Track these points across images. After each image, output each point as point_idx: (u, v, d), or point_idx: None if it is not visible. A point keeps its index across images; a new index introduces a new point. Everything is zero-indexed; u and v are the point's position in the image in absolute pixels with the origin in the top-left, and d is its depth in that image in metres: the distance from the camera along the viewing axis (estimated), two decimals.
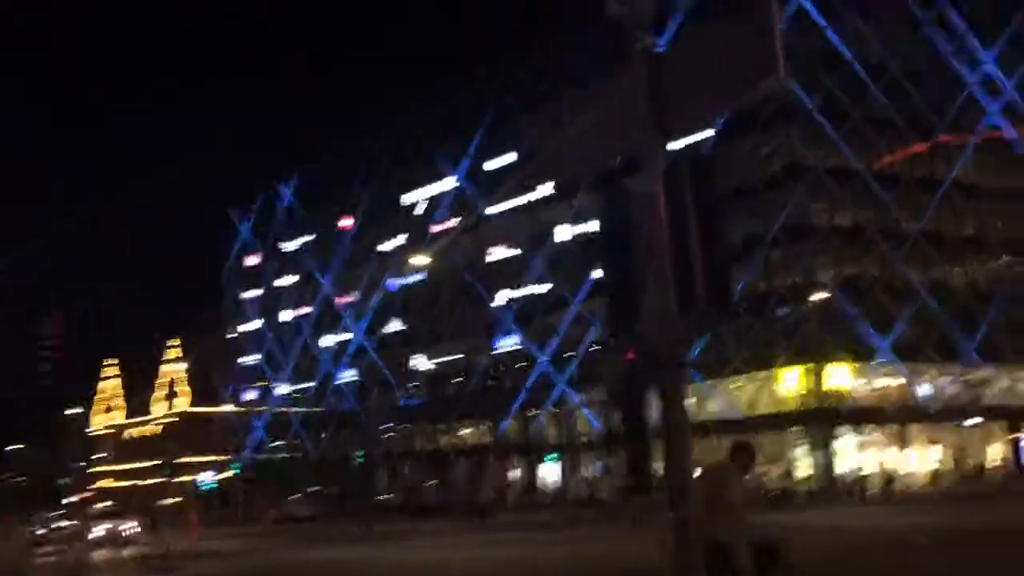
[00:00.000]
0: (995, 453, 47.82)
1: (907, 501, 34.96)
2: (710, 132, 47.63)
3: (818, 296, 45.67)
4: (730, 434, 49.39)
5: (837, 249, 47.48)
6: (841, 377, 46.94)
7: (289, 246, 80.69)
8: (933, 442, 47.27)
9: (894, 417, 46.13)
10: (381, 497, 61.64)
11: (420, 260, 66.58)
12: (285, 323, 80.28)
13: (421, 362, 66.69)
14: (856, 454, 46.08)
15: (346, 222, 74.17)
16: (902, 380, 47.89)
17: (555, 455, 56.48)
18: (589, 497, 49.60)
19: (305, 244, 78.66)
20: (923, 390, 48.14)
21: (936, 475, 44.44)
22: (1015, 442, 48.13)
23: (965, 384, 48.58)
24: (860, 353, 46.34)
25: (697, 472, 6.13)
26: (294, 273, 79.47)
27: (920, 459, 46.08)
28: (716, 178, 5.78)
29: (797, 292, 47.41)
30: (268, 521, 50.58)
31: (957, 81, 51.48)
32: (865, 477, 38.26)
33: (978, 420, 46.89)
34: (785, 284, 48.52)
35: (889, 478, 37.00)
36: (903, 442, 43.02)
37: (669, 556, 5.13)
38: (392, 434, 69.85)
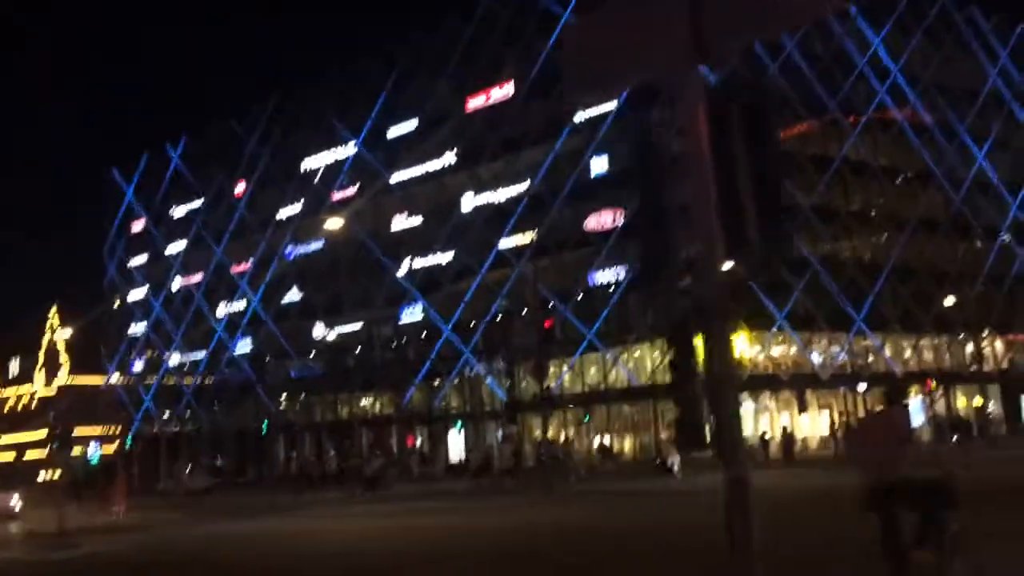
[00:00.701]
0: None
1: (807, 464, 36.63)
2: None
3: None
4: (634, 401, 50.96)
5: None
6: (740, 345, 48.62)
7: (179, 211, 77.65)
8: (824, 407, 49.63)
9: (790, 384, 48.17)
10: (282, 469, 60.55)
11: (321, 227, 65.45)
12: (175, 291, 77.40)
13: (321, 332, 65.44)
14: (754, 419, 48.04)
15: (240, 188, 71.87)
16: (796, 348, 50.05)
17: (459, 424, 56.60)
18: (491, 466, 49.95)
19: (195, 209, 75.81)
20: (816, 358, 50.44)
21: (829, 439, 46.75)
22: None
23: (854, 352, 51.12)
24: (758, 322, 48.05)
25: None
26: (184, 239, 76.56)
27: (813, 424, 48.33)
28: (767, 98, 5.53)
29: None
30: (171, 493, 48.91)
31: (849, 63, 53.61)
32: (768, 441, 39.83)
33: (865, 386, 49.37)
34: (691, 254, 49.68)
35: (790, 441, 38.64)
36: (798, 408, 44.93)
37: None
38: (291, 405, 68.61)
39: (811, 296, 49.05)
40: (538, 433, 56.06)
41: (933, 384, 49.29)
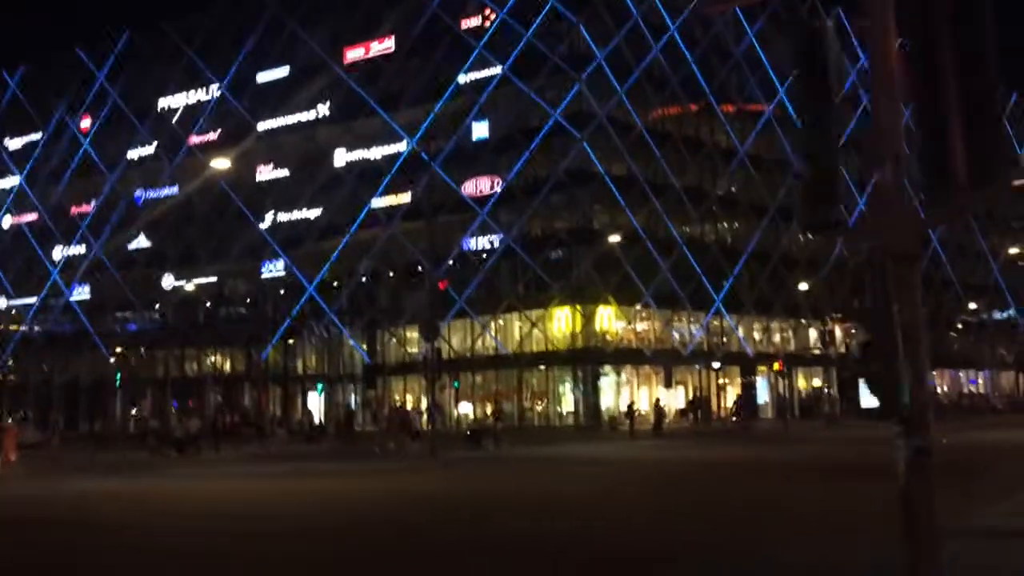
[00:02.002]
0: (733, 394, 52.97)
1: (677, 436, 37.76)
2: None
3: (592, 240, 47.90)
4: (500, 369, 51.00)
5: (612, 197, 49.60)
6: (607, 319, 49.58)
7: (13, 143, 71.15)
8: (680, 383, 51.36)
9: (652, 359, 49.51)
10: (119, 426, 56.92)
11: (175, 171, 61.63)
12: (5, 229, 71.05)
13: (171, 283, 61.77)
14: (617, 392, 49.21)
15: (86, 123, 66.60)
16: (660, 325, 51.51)
17: (320, 387, 54.99)
18: (352, 429, 48.82)
19: (33, 143, 69.68)
20: (677, 335, 52.10)
21: (685, 413, 48.53)
22: (748, 385, 53.50)
23: (710, 332, 53.14)
24: (625, 298, 49.06)
25: None
26: (17, 174, 70.28)
27: (670, 398, 49.88)
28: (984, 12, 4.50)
29: (573, 235, 49.20)
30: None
31: (726, 52, 55.21)
32: (634, 413, 40.72)
33: (719, 364, 51.53)
34: (562, 227, 50.11)
35: (661, 413, 39.68)
36: (664, 383, 46.25)
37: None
38: (129, 359, 64.53)
39: (677, 275, 50.48)
40: (397, 397, 55.40)
41: (776, 365, 51.98)
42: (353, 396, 56.64)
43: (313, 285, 55.64)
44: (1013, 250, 69.45)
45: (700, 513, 13.63)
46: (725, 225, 55.99)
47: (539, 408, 51.21)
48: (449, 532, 12.05)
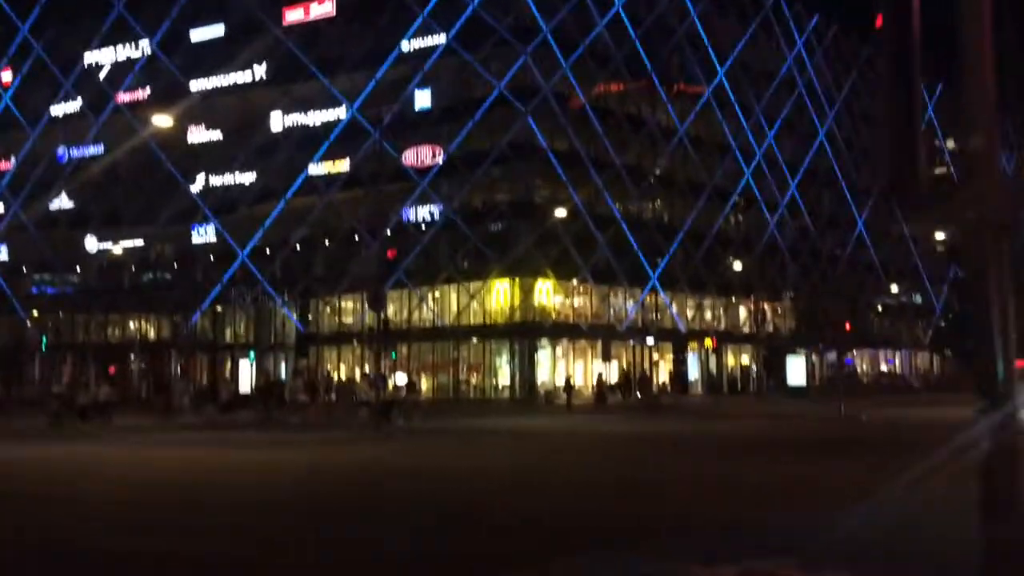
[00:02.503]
0: (665, 369, 53.87)
1: (616, 410, 38.25)
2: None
3: (532, 215, 47.97)
4: (437, 341, 50.81)
5: (554, 172, 49.59)
6: (546, 293, 49.76)
7: None
8: (614, 358, 51.90)
9: (589, 334, 49.95)
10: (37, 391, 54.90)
11: (100, 129, 59.34)
12: None
13: (94, 246, 59.60)
14: (553, 366, 49.53)
15: (7, 76, 63.54)
16: (597, 300, 51.96)
17: (252, 355, 53.92)
18: (282, 399, 48.08)
19: None
20: (613, 310, 52.64)
21: (617, 388, 49.09)
22: (680, 361, 54.42)
23: (645, 308, 53.81)
24: (563, 272, 49.25)
25: None
26: None
27: (606, 373, 50.45)
28: None
29: (514, 209, 49.12)
30: None
31: (669, 31, 55.51)
32: (573, 387, 41.08)
33: (652, 340, 52.23)
34: (503, 200, 49.96)
35: (602, 387, 40.11)
36: (603, 357, 46.72)
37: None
38: (45, 322, 62.19)
39: (614, 252, 50.89)
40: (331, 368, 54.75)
41: (708, 341, 53.09)
42: (284, 365, 55.74)
43: (246, 252, 54.41)
44: (940, 236, 71.95)
45: (649, 485, 13.85)
46: (662, 203, 56.59)
47: (474, 381, 51.24)
48: (350, 502, 12.02)
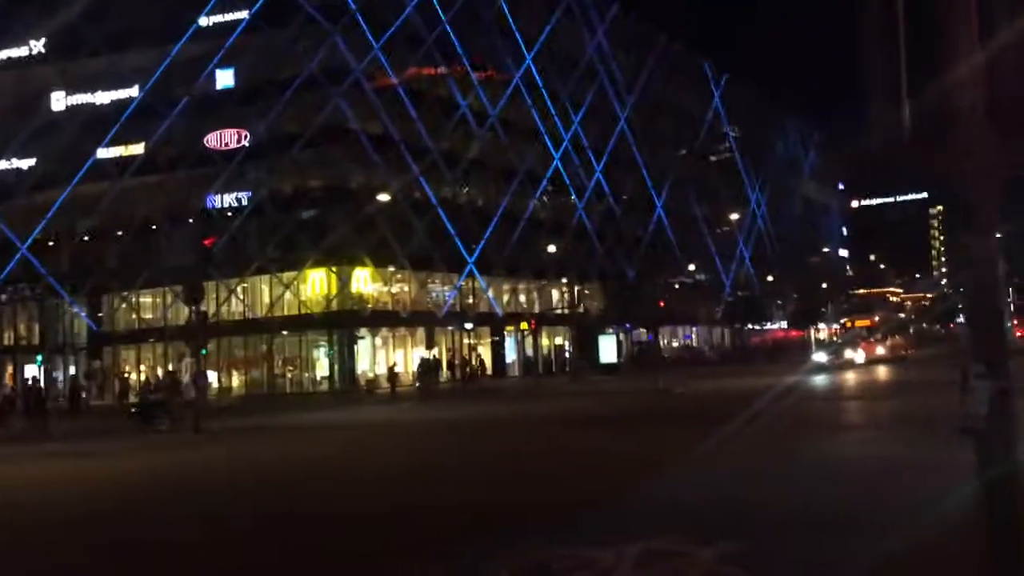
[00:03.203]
0: (484, 353, 54.13)
1: (440, 396, 37.84)
2: None
3: (347, 200, 46.57)
4: (251, 335, 48.36)
5: (367, 156, 48.37)
6: (363, 281, 48.55)
7: None
8: (431, 345, 51.54)
9: (408, 321, 49.26)
10: None
11: None
12: None
13: None
14: (374, 355, 48.49)
15: None
16: (416, 287, 51.31)
17: (40, 358, 49.04)
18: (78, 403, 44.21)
19: None
20: (432, 297, 52.22)
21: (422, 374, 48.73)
22: (497, 344, 54.91)
23: (463, 293, 53.76)
24: (380, 259, 48.21)
25: None
26: None
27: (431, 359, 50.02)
28: None
29: (327, 194, 47.46)
30: None
31: (478, 15, 55.49)
32: (396, 375, 40.33)
33: (471, 325, 52.28)
34: (316, 185, 48.19)
35: (429, 373, 39.56)
36: (426, 345, 46.13)
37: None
38: None
39: (431, 237, 50.42)
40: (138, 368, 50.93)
41: (525, 324, 53.94)
42: (74, 368, 51.30)
43: (26, 244, 49.37)
44: (734, 216, 76.91)
45: (493, 466, 13.66)
46: (477, 188, 56.66)
47: (290, 375, 49.31)
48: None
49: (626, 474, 12.13)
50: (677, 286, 74.65)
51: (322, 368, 48.38)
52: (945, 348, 77.51)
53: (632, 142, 68.98)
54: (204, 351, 44.09)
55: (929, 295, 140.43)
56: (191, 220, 47.07)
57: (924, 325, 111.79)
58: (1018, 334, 55.26)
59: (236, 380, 49.62)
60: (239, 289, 48.32)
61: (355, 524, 9.86)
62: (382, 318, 49.03)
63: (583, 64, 64.29)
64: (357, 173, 48.66)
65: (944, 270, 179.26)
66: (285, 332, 48.24)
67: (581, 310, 60.59)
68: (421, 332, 50.41)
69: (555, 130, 61.02)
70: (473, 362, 50.89)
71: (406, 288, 51.35)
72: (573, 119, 62.59)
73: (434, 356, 46.51)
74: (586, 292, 62.98)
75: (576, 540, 7.83)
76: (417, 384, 39.49)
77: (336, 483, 13.45)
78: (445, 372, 49.08)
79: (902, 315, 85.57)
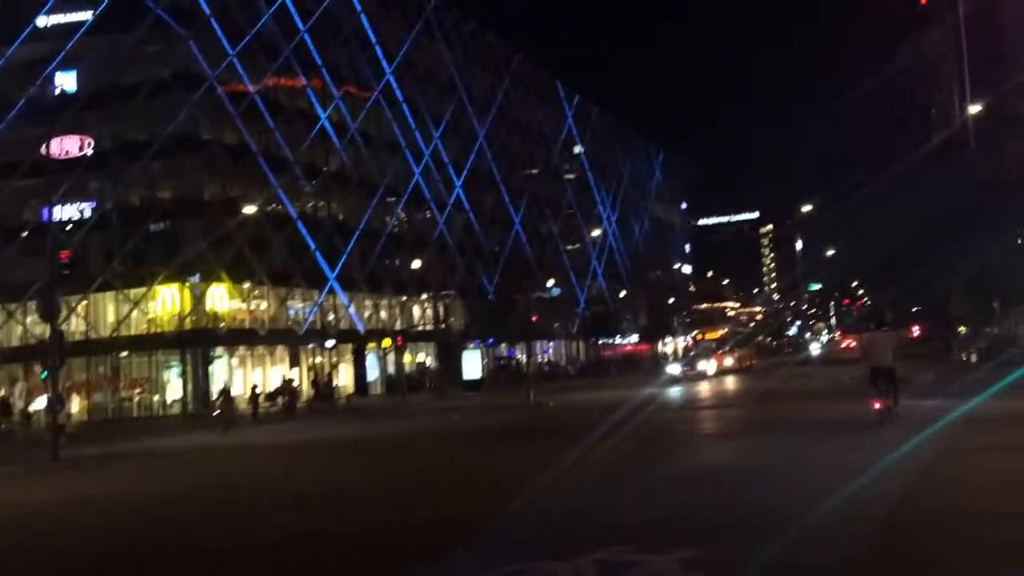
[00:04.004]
0: (346, 371, 52.79)
1: (302, 418, 36.51)
2: None
3: (201, 213, 44.47)
4: (94, 356, 45.15)
5: (223, 166, 46.39)
6: (219, 298, 46.37)
7: None
8: (294, 364, 49.86)
9: (267, 339, 47.42)
10: None
11: None
12: None
13: None
14: (230, 375, 46.27)
15: None
16: (275, 303, 49.47)
17: None
18: None
19: None
20: (292, 313, 50.51)
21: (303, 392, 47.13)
22: (359, 362, 53.69)
23: (324, 309, 52.33)
24: (237, 275, 46.23)
25: None
26: None
27: (295, 378, 48.20)
28: None
29: (180, 206, 45.09)
30: None
31: (338, 26, 54.53)
32: (258, 396, 38.57)
33: (333, 342, 50.97)
34: (168, 197, 45.72)
35: (294, 394, 38.01)
36: (273, 363, 44.54)
37: None
38: None
39: (290, 252, 48.86)
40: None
41: (387, 341, 53.12)
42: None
43: None
44: (595, 232, 78.57)
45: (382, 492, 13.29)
46: (338, 202, 55.35)
47: (138, 397, 46.39)
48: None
49: (541, 488, 11.86)
50: (535, 301, 75.58)
51: (173, 390, 45.76)
52: (782, 359, 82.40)
53: (490, 158, 69.47)
54: (45, 374, 41.04)
55: (763, 310, 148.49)
56: (26, 233, 43.58)
57: (760, 338, 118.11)
58: (843, 345, 59.19)
59: (77, 405, 46.16)
60: (80, 307, 45.10)
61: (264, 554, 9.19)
62: (239, 336, 46.96)
63: (443, 80, 64.32)
64: (212, 184, 46.57)
65: (775, 286, 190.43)
66: (125, 353, 45.28)
67: (443, 326, 60.30)
68: (280, 350, 48.80)
69: (416, 145, 60.64)
70: (321, 381, 49.07)
71: (265, 305, 49.39)
72: (433, 134, 62.41)
73: (285, 377, 44.34)
74: (448, 307, 62.72)
75: (516, 558, 7.52)
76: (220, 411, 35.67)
77: (240, 512, 12.57)
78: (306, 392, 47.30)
79: (744, 329, 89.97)
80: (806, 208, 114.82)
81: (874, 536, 7.74)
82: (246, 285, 47.43)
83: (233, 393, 45.23)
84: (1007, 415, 16.92)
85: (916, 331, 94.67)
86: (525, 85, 76.09)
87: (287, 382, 43.77)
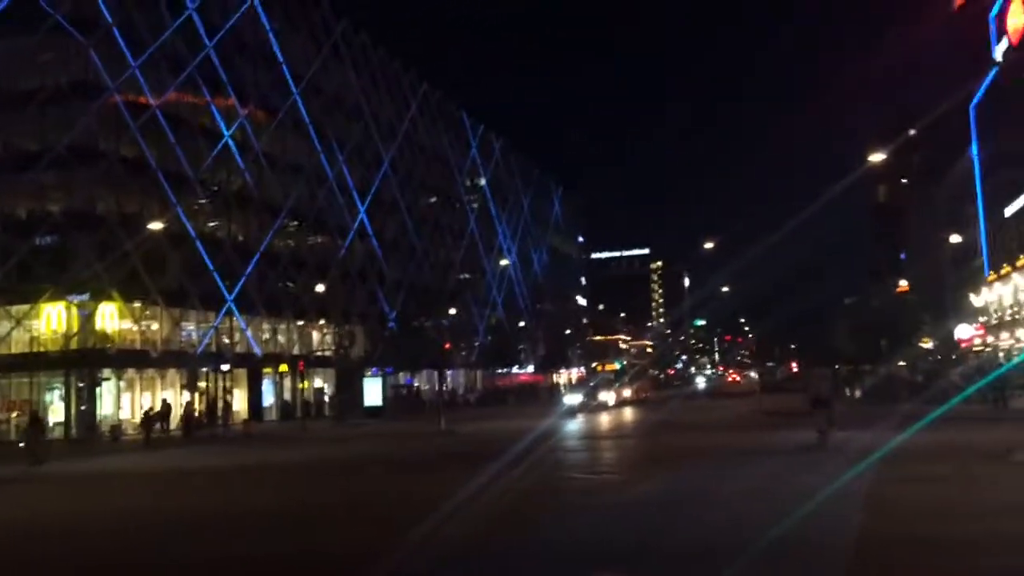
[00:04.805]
0: (240, 396, 51.14)
1: (204, 441, 35.20)
2: None
3: (94, 227, 42.59)
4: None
5: (120, 180, 44.57)
6: (109, 317, 44.37)
7: None
8: (185, 387, 48.03)
9: (159, 361, 45.60)
10: None
11: None
12: None
13: None
14: (118, 398, 44.28)
15: None
16: (169, 324, 47.64)
17: None
18: None
19: None
20: (186, 335, 48.73)
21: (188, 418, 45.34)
22: (255, 387, 52.16)
23: (220, 332, 50.64)
24: (129, 293, 44.40)
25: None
26: None
27: (175, 401, 46.43)
28: None
29: (71, 220, 43.03)
30: None
31: (244, 44, 53.51)
32: (152, 418, 36.92)
33: (228, 366, 49.32)
34: (57, 210, 43.60)
35: (191, 416, 36.51)
36: (187, 386, 42.80)
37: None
38: None
39: (187, 272, 47.27)
40: None
41: (284, 366, 51.96)
42: None
43: None
44: (504, 261, 78.65)
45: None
46: (238, 223, 53.89)
47: (15, 421, 43.65)
48: None
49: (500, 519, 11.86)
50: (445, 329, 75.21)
51: (56, 413, 43.33)
52: (672, 392, 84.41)
53: (395, 185, 69.11)
54: None
55: (653, 343, 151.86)
56: None
57: (651, 371, 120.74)
58: (730, 379, 61.27)
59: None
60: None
61: None
62: (129, 358, 44.96)
63: (349, 104, 63.79)
64: (106, 199, 44.68)
65: (663, 320, 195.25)
66: (18, 372, 42.74)
67: (344, 352, 59.31)
68: (172, 373, 46.98)
69: (320, 168, 59.82)
70: (231, 405, 47.68)
71: (157, 326, 47.49)
72: (339, 158, 61.70)
73: (165, 401, 42.41)
74: (350, 334, 61.70)
75: None
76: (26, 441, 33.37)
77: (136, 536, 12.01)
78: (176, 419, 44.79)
79: (640, 361, 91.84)
80: (708, 245, 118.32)
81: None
82: (138, 305, 45.57)
83: (121, 416, 43.69)
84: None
85: (794, 367, 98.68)
86: (432, 113, 76.25)
87: (167, 406, 41.74)
